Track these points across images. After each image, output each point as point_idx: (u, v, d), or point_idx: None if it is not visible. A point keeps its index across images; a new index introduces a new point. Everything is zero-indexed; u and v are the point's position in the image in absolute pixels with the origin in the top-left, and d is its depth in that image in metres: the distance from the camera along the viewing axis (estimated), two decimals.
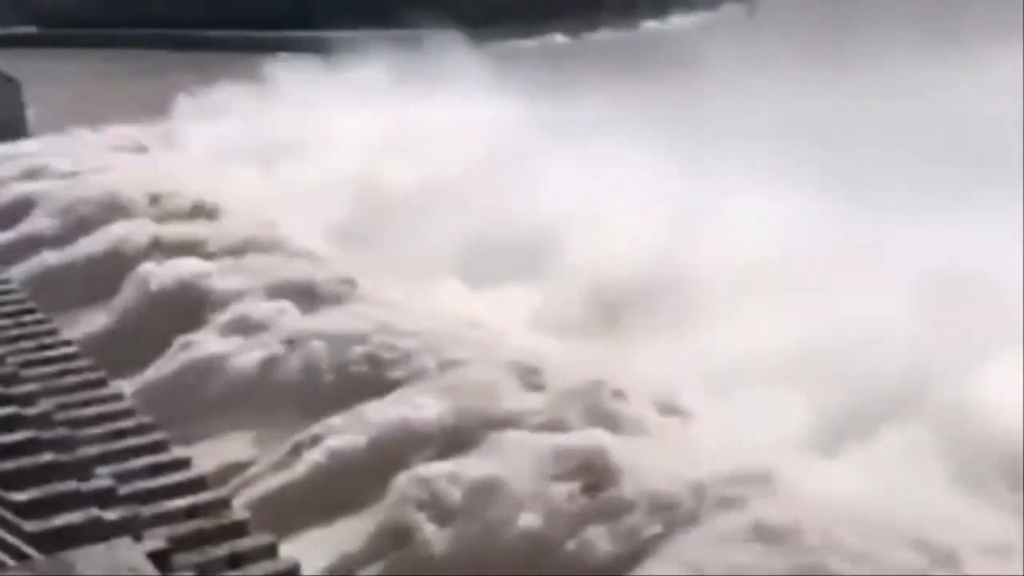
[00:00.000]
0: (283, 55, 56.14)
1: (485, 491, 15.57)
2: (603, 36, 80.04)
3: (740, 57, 37.25)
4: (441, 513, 15.64)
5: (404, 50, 44.30)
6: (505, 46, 63.45)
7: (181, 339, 21.85)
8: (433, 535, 15.47)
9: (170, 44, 73.82)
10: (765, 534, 13.75)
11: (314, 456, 17.50)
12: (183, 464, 14.37)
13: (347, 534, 16.23)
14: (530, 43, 73.97)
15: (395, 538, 15.77)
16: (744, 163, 25.57)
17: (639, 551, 14.48)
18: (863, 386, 17.02)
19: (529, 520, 15.12)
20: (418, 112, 34.85)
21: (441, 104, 35.26)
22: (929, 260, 19.37)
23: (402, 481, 16.14)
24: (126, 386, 20.25)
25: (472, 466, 16.16)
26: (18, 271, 26.08)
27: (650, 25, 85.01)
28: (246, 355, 20.84)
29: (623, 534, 14.73)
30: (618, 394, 17.47)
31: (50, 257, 27.36)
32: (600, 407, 17.22)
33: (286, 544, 13.52)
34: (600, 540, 14.77)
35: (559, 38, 79.55)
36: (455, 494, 15.71)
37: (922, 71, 33.48)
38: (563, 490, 15.34)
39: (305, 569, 12.81)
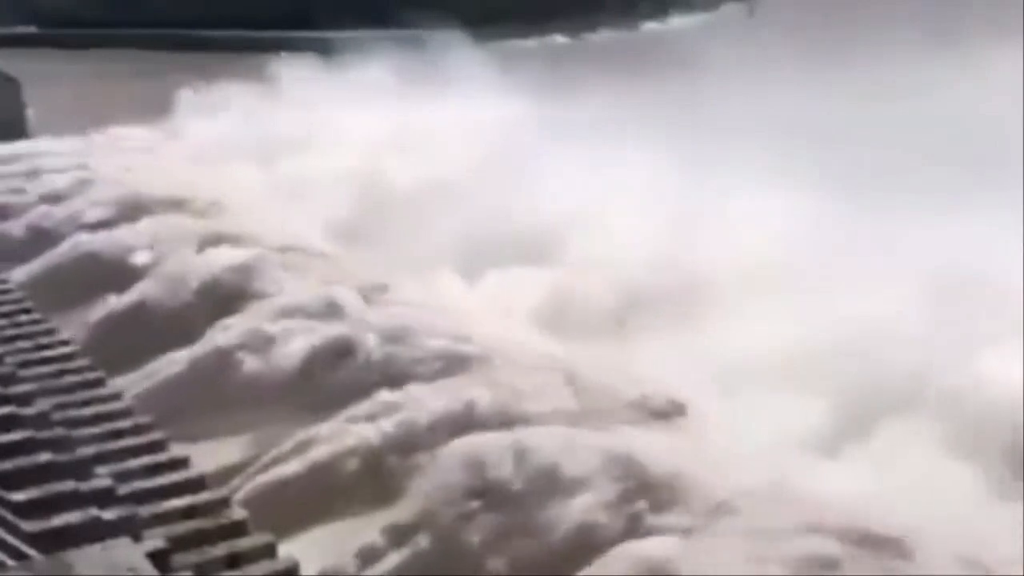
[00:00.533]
0: (283, 55, 56.04)
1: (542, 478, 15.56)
2: (603, 36, 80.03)
3: (740, 57, 37.22)
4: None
5: (404, 50, 44.27)
6: (504, 46, 63.37)
7: (220, 323, 21.89)
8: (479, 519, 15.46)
9: (170, 45, 73.78)
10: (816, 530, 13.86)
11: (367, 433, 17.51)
12: (181, 463, 14.35)
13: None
14: (530, 43, 73.93)
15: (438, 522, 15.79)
16: (745, 163, 25.55)
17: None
18: (873, 384, 17.06)
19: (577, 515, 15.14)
20: (418, 112, 34.86)
21: (441, 104, 35.26)
22: (928, 258, 19.39)
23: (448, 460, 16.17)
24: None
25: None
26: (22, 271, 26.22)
27: (650, 26, 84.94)
28: (265, 352, 20.89)
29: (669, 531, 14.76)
30: (648, 397, 17.54)
31: (64, 255, 27.43)
32: (633, 409, 17.32)
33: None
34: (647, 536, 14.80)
35: (559, 39, 79.51)
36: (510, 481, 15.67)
37: (922, 71, 33.45)
38: (608, 489, 15.36)
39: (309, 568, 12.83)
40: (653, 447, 16.06)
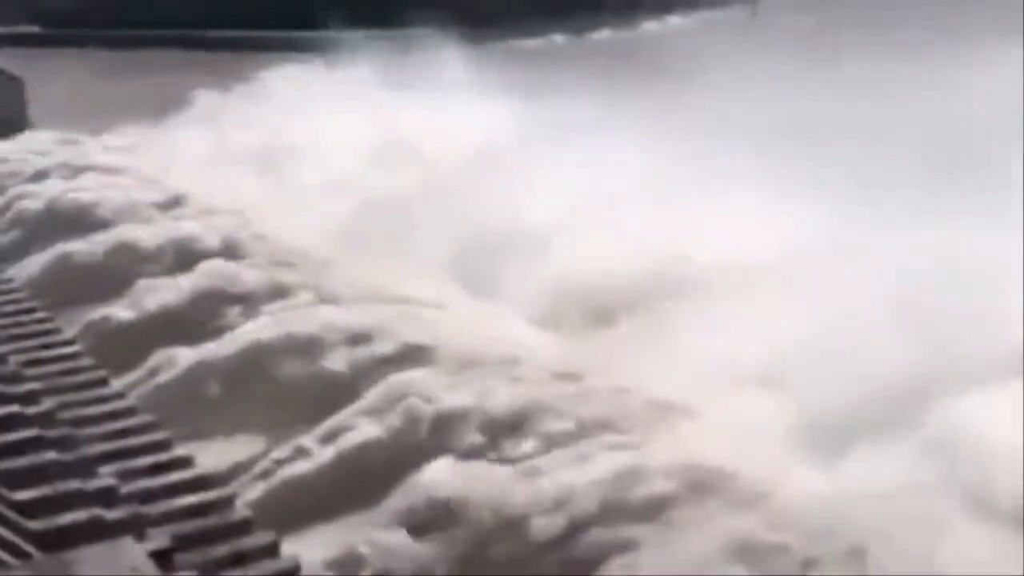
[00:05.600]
0: (283, 55, 56.09)
1: None
2: (604, 36, 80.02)
3: (740, 57, 37.25)
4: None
5: (404, 50, 44.36)
6: (506, 46, 63.46)
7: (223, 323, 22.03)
8: None
9: (173, 44, 73.92)
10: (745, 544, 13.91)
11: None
12: (185, 463, 14.40)
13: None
14: (531, 43, 73.96)
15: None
16: (743, 163, 25.57)
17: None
18: (857, 389, 16.98)
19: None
20: (416, 112, 34.89)
21: (440, 104, 35.30)
22: (924, 261, 19.37)
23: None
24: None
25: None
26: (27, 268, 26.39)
27: (650, 26, 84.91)
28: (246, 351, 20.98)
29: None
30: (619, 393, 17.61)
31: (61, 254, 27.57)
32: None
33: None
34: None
35: (559, 39, 79.52)
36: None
37: (923, 71, 33.46)
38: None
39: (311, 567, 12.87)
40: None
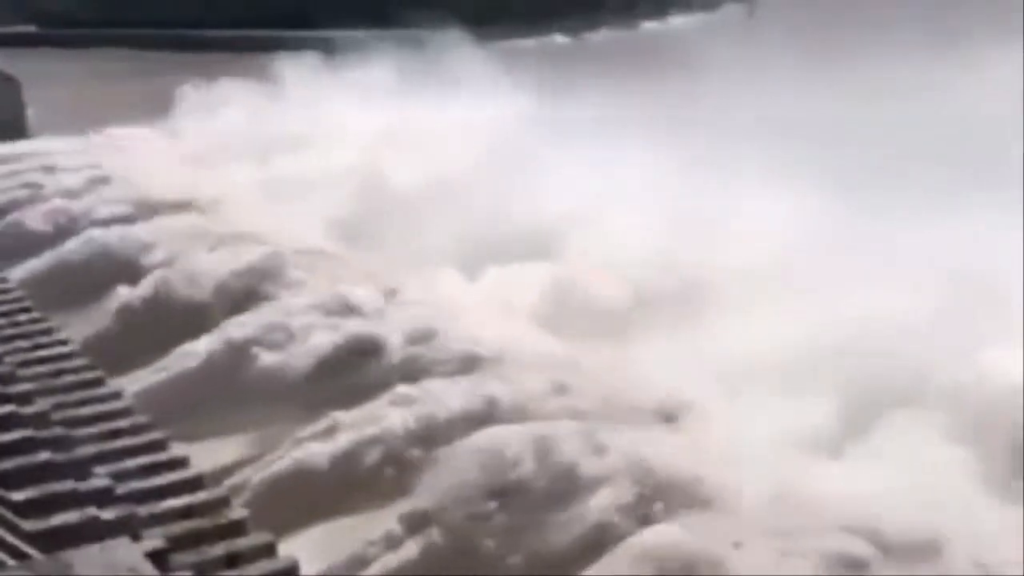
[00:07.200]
0: (283, 55, 56.03)
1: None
2: (603, 36, 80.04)
3: (739, 57, 37.24)
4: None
5: (404, 49, 44.34)
6: (504, 46, 63.39)
7: (231, 320, 21.97)
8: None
9: (169, 44, 73.86)
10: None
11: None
12: (181, 463, 14.33)
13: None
14: (530, 43, 73.94)
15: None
16: (745, 162, 25.58)
17: None
18: (869, 385, 17.03)
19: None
20: (418, 111, 34.90)
21: (441, 103, 35.31)
22: (927, 258, 19.38)
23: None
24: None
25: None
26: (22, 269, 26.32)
27: (650, 25, 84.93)
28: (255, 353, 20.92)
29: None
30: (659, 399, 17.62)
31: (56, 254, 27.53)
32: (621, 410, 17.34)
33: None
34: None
35: (559, 38, 79.54)
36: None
37: (922, 71, 33.45)
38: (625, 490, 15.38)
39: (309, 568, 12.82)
40: (668, 448, 16.06)
